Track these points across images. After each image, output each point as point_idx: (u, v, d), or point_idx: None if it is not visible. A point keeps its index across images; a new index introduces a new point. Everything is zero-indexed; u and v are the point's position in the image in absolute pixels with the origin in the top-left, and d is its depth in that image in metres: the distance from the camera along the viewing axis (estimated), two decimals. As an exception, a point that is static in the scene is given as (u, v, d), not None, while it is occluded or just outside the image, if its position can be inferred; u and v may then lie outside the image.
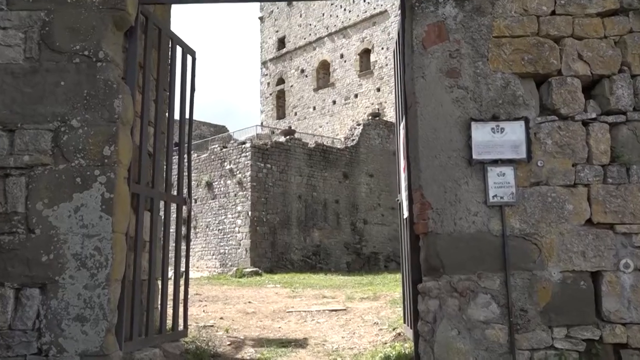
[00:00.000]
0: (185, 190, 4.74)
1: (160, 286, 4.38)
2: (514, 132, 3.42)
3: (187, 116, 4.76)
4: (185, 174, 4.87)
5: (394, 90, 4.63)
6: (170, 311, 4.37)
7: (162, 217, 4.41)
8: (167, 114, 4.59)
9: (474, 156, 3.41)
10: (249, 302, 8.23)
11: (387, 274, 19.38)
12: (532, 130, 3.46)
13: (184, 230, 5.09)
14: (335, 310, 6.83)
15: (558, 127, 3.47)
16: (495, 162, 3.42)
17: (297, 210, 22.45)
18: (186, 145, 4.80)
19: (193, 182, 23.71)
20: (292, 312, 6.91)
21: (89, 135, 3.51)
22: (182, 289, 4.52)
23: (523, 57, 3.54)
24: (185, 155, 4.78)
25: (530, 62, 3.54)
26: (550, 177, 3.42)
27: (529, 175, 3.43)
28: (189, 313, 4.91)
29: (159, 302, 4.39)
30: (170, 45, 4.56)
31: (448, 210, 3.38)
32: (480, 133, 3.42)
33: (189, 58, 4.85)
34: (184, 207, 4.72)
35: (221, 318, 6.35)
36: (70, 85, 3.56)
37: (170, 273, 4.64)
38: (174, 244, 4.61)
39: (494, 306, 3.28)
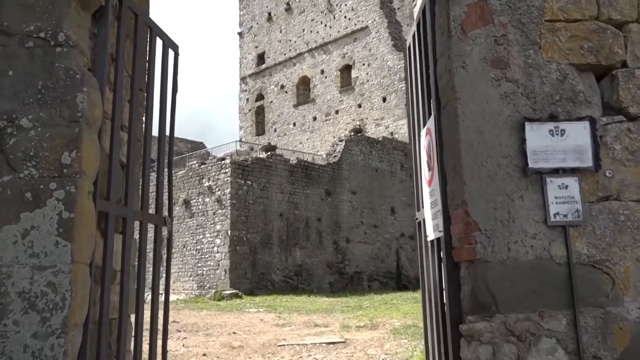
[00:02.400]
0: (165, 209, 3.97)
1: (133, 325, 3.60)
2: (577, 134, 2.78)
3: (167, 120, 4.03)
4: (166, 189, 4.12)
5: (407, 91, 3.95)
6: (146, 350, 3.58)
7: (137, 241, 3.64)
8: (144, 117, 3.84)
9: (530, 164, 2.75)
10: (234, 332, 7.41)
11: (373, 294, 18.65)
12: (598, 132, 2.82)
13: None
14: (334, 343, 6.08)
15: (627, 130, 2.84)
16: (556, 172, 2.77)
17: (279, 228, 21.65)
18: (166, 155, 4.04)
19: (169, 200, 22.73)
20: (284, 345, 6.13)
21: (43, 138, 2.75)
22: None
23: (582, 46, 2.92)
24: (166, 167, 4.03)
25: (590, 52, 2.91)
26: (621, 190, 2.78)
27: (596, 188, 2.78)
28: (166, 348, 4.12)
29: (132, 345, 3.60)
30: (148, 36, 3.83)
31: (500, 232, 2.70)
32: (536, 136, 2.76)
33: (171, 53, 4.14)
34: (163, 228, 3.95)
35: (204, 355, 5.55)
36: (21, 75, 2.80)
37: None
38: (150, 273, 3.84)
39: (561, 353, 2.60)
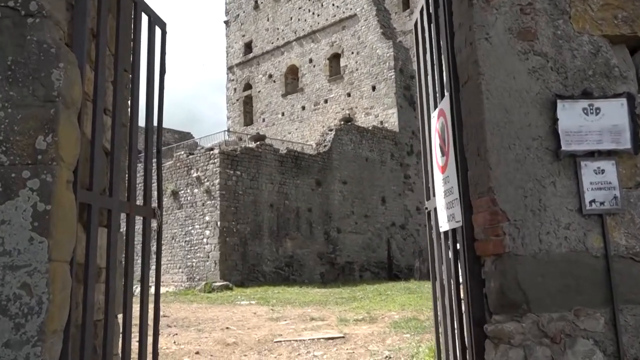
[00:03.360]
0: (154, 200, 3.66)
1: (121, 326, 3.29)
2: (614, 113, 2.50)
3: (155, 104, 3.70)
4: (154, 178, 3.80)
5: (417, 69, 3.65)
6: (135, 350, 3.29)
7: (124, 235, 3.33)
8: (129, 101, 3.51)
9: (563, 147, 2.47)
10: (227, 327, 7.12)
11: (366, 285, 18.46)
12: (636, 110, 2.54)
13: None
14: (332, 339, 5.81)
15: (667, 108, 2.57)
16: (591, 155, 2.50)
17: (269, 219, 21.34)
18: (155, 142, 3.72)
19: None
20: (281, 342, 5.86)
21: (14, 120, 2.42)
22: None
23: (616, 15, 2.64)
24: (154, 155, 3.71)
25: (625, 22, 2.63)
26: (661, 174, 2.51)
27: (635, 173, 2.51)
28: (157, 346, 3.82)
29: (120, 348, 3.30)
30: (133, 12, 3.49)
31: (530, 222, 2.42)
32: (569, 115, 2.48)
33: (158, 31, 3.80)
34: (153, 221, 3.63)
35: (197, 353, 5.25)
36: (-13, 49, 2.47)
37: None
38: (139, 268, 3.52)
39: (599, 356, 2.34)
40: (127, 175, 3.33)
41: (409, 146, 29.38)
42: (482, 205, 2.51)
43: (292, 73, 34.58)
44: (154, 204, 3.59)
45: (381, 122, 29.27)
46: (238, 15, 38.19)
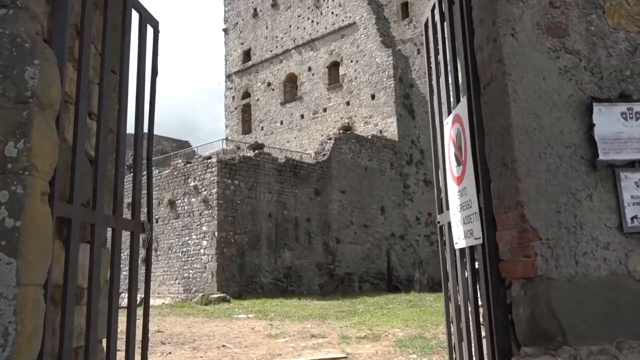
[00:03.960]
0: (143, 212, 3.37)
1: (105, 351, 3.00)
2: (656, 118, 2.24)
3: (146, 109, 3.43)
4: (144, 189, 3.51)
5: (427, 72, 3.39)
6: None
7: (110, 251, 3.04)
8: (118, 105, 3.23)
9: (600, 156, 2.20)
10: (223, 345, 6.80)
11: (366, 297, 18.12)
12: (681, 116, 2.27)
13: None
14: (335, 359, 5.50)
15: None
16: (631, 165, 2.23)
17: (267, 229, 21.03)
18: (145, 149, 3.44)
19: (154, 201, 21.99)
20: (280, 361, 5.55)
21: (-19, 124, 2.15)
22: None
23: (654, 10, 2.38)
24: (145, 163, 3.43)
25: (664, 17, 2.38)
26: None
27: (681, 186, 2.24)
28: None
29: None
30: (122, 9, 3.23)
31: (565, 242, 2.14)
32: (606, 120, 2.22)
33: (150, 30, 3.53)
34: (142, 236, 3.34)
35: (191, 374, 4.94)
36: (-48, 44, 2.20)
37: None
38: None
39: (645, 395, 2.05)
40: (113, 185, 3.04)
41: (408, 155, 29.15)
42: (508, 221, 2.23)
43: (291, 81, 34.41)
44: (143, 218, 3.30)
45: (380, 131, 29.04)
46: (237, 23, 38.08)
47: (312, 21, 33.50)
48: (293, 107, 33.53)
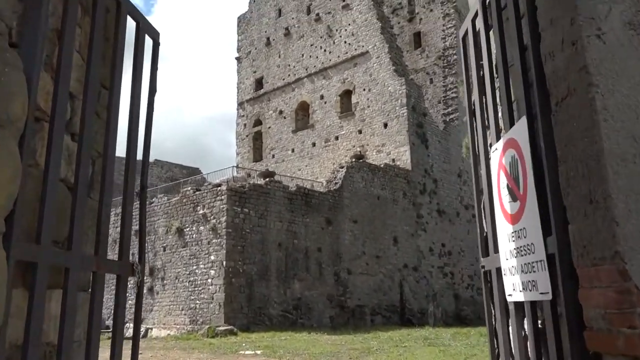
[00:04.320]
0: (134, 252, 2.86)
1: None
2: None
3: (141, 129, 2.96)
4: (136, 224, 3.02)
5: (466, 91, 2.89)
6: None
7: (91, 298, 2.52)
8: (106, 125, 2.77)
9: None
10: (228, 391, 6.20)
11: (378, 331, 17.38)
12: None
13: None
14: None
15: None
16: None
17: (277, 259, 20.43)
18: (139, 176, 2.96)
19: (162, 228, 21.57)
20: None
21: None
22: None
23: None
24: (136, 195, 2.95)
25: None
26: None
27: None
28: None
29: None
30: (116, 14, 2.79)
31: (681, 306, 1.61)
32: None
33: (148, 41, 3.09)
34: (130, 279, 2.82)
35: None
36: None
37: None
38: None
39: None
40: (97, 220, 2.55)
41: (421, 185, 28.58)
42: (600, 277, 1.69)
43: (303, 109, 34.20)
44: (134, 258, 2.79)
45: (393, 160, 28.57)
46: (250, 52, 38.19)
47: (325, 50, 33.44)
48: (305, 135, 33.24)
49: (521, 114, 2.31)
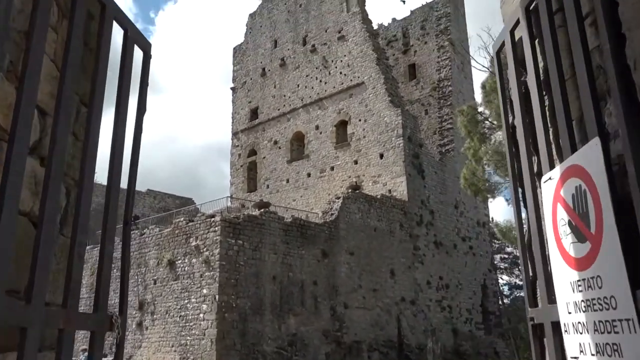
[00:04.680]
0: (113, 303, 2.37)
1: None
2: None
3: (127, 155, 2.52)
4: (116, 270, 2.54)
5: (502, 110, 2.48)
6: None
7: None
8: (84, 148, 2.31)
9: None
10: None
11: (377, 370, 16.63)
12: None
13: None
14: None
15: None
16: None
17: (271, 293, 19.77)
18: (121, 209, 2.50)
19: (153, 261, 20.92)
20: None
21: None
22: None
23: None
24: (116, 229, 2.48)
25: None
26: None
27: None
28: None
29: None
30: (100, 18, 2.38)
31: None
32: None
33: (138, 52, 2.68)
34: (108, 335, 2.33)
35: None
36: None
37: None
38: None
39: None
40: (68, 262, 2.08)
41: (418, 216, 28.15)
42: None
43: (298, 139, 33.93)
44: (113, 312, 2.30)
45: (389, 191, 28.17)
46: (245, 82, 38.13)
47: (321, 81, 33.39)
48: (300, 166, 32.88)
49: (590, 135, 1.89)
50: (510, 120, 2.71)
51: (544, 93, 2.38)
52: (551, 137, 2.30)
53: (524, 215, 2.63)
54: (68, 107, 2.03)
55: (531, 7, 2.45)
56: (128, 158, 2.47)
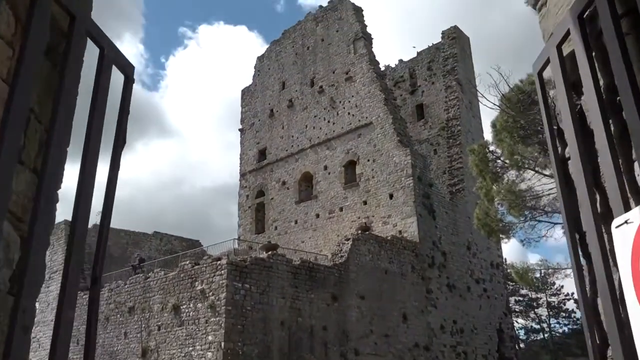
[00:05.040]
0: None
1: None
2: None
3: (97, 193, 2.07)
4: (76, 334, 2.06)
5: (549, 141, 1.98)
6: None
7: None
8: (38, 181, 1.87)
9: None
10: None
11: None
12: None
13: None
14: None
15: None
16: None
17: (280, 339, 18.98)
18: (86, 274, 2.04)
19: (158, 305, 20.26)
20: None
21: None
22: None
23: None
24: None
25: None
26: None
27: None
28: None
29: None
30: (68, 30, 1.98)
31: None
32: None
33: (116, 74, 2.28)
34: None
35: None
36: None
37: None
38: None
39: None
40: (7, 338, 1.61)
41: (430, 258, 27.40)
42: None
43: (306, 180, 33.57)
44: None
45: (400, 232, 27.53)
46: (253, 123, 38.15)
47: (329, 121, 33.27)
48: (308, 206, 32.41)
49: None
50: (560, 151, 2.25)
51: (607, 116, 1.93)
52: (622, 170, 1.84)
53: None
54: (16, 135, 1.61)
55: (585, 15, 2.04)
56: (100, 202, 2.03)
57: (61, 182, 1.87)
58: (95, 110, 2.08)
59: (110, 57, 2.18)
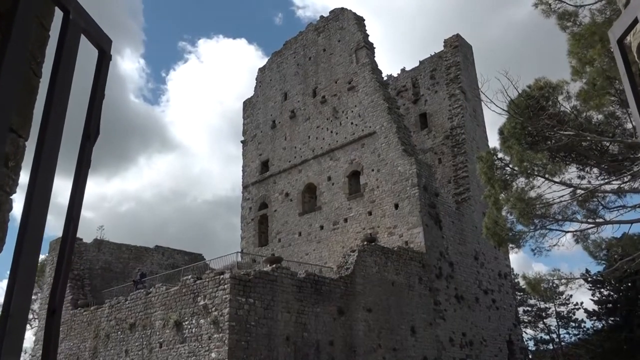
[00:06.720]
0: None
1: None
2: None
3: (61, 196, 1.59)
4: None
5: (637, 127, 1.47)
6: None
7: None
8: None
9: None
10: None
11: None
12: None
13: None
14: None
15: None
16: None
17: (285, 355, 18.37)
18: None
19: (159, 322, 19.69)
20: None
21: None
22: None
23: None
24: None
25: None
26: None
27: None
28: None
29: None
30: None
31: None
32: None
33: (88, 48, 1.81)
34: None
35: None
36: None
37: None
38: None
39: None
40: None
41: (437, 268, 26.80)
42: None
43: (310, 191, 33.07)
44: None
45: (406, 242, 26.97)
46: (255, 135, 37.75)
47: (332, 132, 32.84)
48: (312, 218, 31.88)
49: None
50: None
51: None
52: None
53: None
54: None
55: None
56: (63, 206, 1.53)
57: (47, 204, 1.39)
58: (54, 96, 1.60)
59: (78, 24, 1.71)
